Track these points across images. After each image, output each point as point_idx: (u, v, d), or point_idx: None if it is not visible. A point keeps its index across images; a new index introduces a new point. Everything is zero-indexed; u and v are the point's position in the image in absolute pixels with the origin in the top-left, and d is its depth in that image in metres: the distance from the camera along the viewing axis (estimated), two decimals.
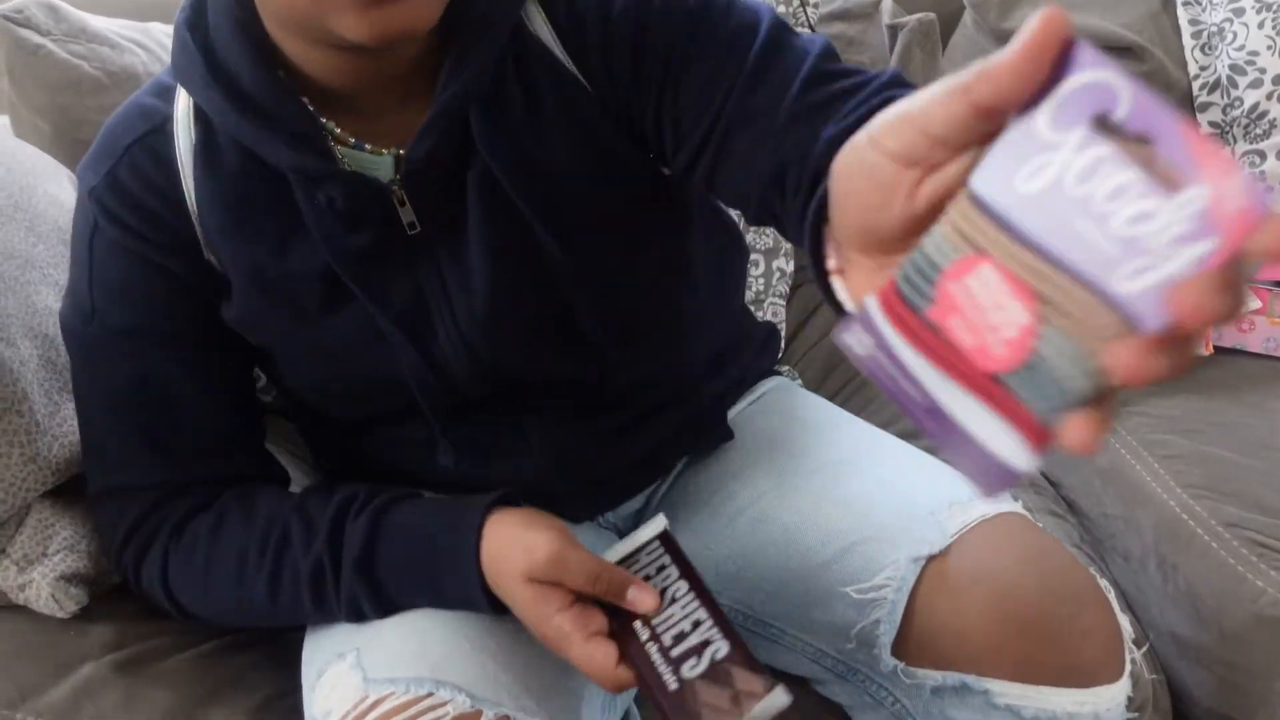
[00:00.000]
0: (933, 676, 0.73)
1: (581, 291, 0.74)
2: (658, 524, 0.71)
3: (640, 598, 0.67)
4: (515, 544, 0.67)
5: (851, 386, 1.31)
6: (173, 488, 0.77)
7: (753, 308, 1.31)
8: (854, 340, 0.37)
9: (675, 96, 0.69)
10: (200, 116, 0.71)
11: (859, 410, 1.25)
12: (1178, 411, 1.10)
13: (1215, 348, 1.15)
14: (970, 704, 0.72)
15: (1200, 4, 1.53)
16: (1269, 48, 1.44)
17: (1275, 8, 1.45)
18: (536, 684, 0.71)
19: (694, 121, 0.68)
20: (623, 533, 0.93)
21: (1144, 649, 0.93)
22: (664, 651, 0.64)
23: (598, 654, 0.64)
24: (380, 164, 0.70)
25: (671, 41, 0.68)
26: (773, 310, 1.34)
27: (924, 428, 0.36)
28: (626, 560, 0.71)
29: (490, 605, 0.70)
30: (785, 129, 0.63)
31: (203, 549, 0.75)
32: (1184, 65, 1.52)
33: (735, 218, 0.90)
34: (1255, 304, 1.14)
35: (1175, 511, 0.99)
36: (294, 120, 0.67)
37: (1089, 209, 0.32)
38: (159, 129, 0.72)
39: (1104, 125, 0.31)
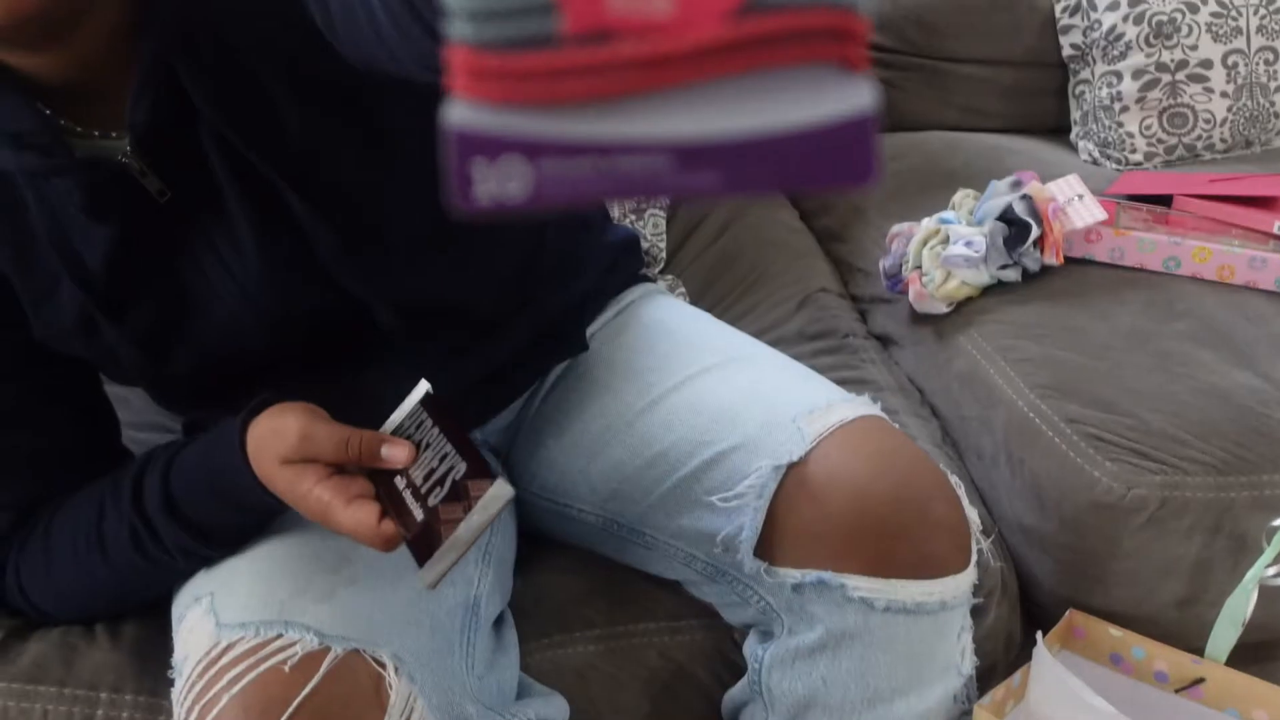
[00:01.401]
0: (793, 575, 0.78)
1: (346, 251, 0.73)
2: (419, 389, 0.73)
3: (393, 453, 0.69)
4: (267, 434, 0.69)
5: (735, 294, 1.35)
6: (25, 506, 0.79)
7: (633, 217, 1.34)
8: (494, 184, 0.24)
9: None
10: None
11: (741, 317, 1.30)
12: (1030, 318, 1.17)
13: (1065, 258, 1.22)
14: (828, 598, 0.77)
15: None
16: None
17: None
18: (388, 613, 0.73)
19: None
20: (497, 450, 0.95)
21: (991, 539, 1.01)
22: (416, 493, 0.67)
23: (359, 514, 0.65)
24: (120, 147, 0.69)
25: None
26: (654, 221, 1.37)
27: (701, 190, 0.25)
28: (395, 431, 0.73)
29: (280, 503, 0.71)
30: None
31: (40, 551, 0.78)
32: None
33: None
34: (1102, 216, 1.21)
35: (1023, 411, 1.06)
36: (12, 119, 0.65)
37: None
38: None
39: None
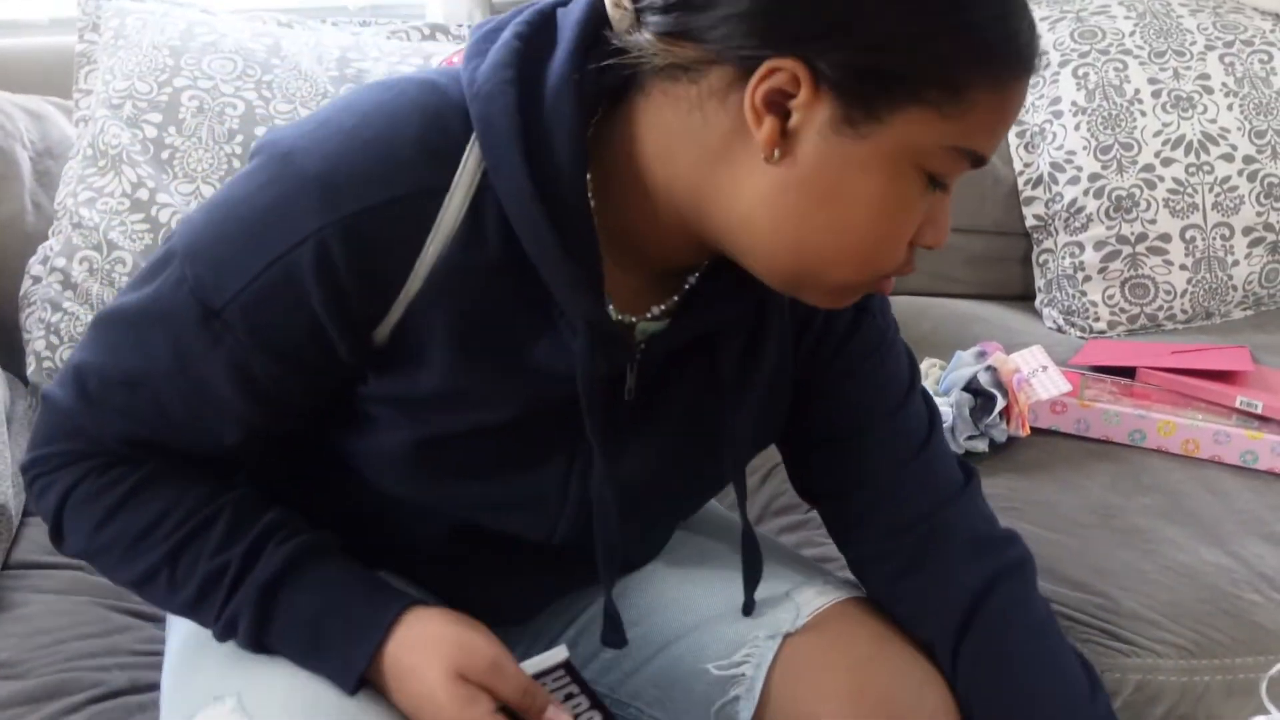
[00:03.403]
0: None
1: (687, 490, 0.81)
2: (560, 653, 0.70)
3: (558, 718, 0.68)
4: (448, 640, 0.67)
5: None
6: (139, 451, 0.70)
7: None
8: None
9: (841, 383, 0.82)
10: (477, 200, 0.63)
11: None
12: (998, 491, 1.16)
13: (1032, 429, 1.23)
14: None
15: (1024, 106, 1.65)
16: (1084, 148, 1.56)
17: (1090, 112, 1.57)
18: None
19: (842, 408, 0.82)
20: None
21: None
22: None
23: None
24: (609, 323, 0.68)
25: (863, 352, 0.83)
26: None
27: None
28: (538, 676, 0.71)
29: (352, 689, 0.68)
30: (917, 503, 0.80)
31: (119, 493, 0.70)
32: (1010, 162, 1.63)
33: None
34: (1067, 388, 1.22)
35: None
36: (588, 260, 0.64)
37: None
38: (433, 192, 0.63)
39: None
